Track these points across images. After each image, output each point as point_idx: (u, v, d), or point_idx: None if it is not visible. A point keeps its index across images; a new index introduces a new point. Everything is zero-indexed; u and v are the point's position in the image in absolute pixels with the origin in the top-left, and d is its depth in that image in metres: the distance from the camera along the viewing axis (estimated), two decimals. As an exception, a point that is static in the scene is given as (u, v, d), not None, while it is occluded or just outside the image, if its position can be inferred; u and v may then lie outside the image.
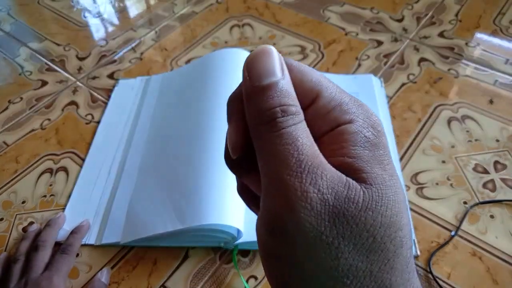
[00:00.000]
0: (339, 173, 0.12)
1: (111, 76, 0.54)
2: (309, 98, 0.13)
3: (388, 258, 0.11)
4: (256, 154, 0.13)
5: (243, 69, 0.13)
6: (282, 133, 0.12)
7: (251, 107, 0.13)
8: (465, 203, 0.38)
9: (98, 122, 0.48)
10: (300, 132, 0.12)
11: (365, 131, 0.13)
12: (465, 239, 0.36)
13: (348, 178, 0.12)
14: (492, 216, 0.37)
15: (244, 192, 0.16)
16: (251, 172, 0.15)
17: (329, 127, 0.13)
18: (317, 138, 0.13)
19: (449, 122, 0.45)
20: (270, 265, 0.13)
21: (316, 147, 0.12)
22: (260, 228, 0.13)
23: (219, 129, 0.38)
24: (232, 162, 0.15)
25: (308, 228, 0.11)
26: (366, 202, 0.11)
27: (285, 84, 0.13)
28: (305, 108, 0.13)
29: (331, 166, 0.12)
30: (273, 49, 0.13)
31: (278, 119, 0.12)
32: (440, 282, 0.33)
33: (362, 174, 0.12)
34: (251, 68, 0.13)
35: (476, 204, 0.38)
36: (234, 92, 0.14)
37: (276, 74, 0.13)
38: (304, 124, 0.13)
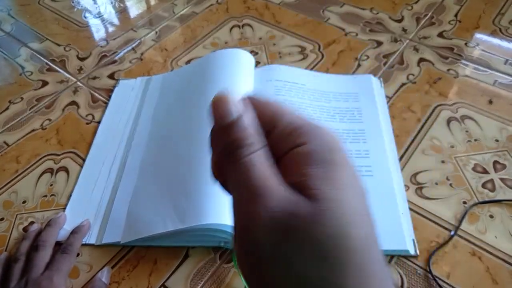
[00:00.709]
0: (288, 193, 0.14)
1: (111, 76, 0.54)
2: (270, 126, 0.15)
3: (340, 265, 0.13)
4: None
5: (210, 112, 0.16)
6: (240, 163, 0.14)
7: (217, 142, 0.16)
8: (464, 203, 0.38)
9: (99, 122, 0.48)
10: (256, 160, 0.14)
11: (318, 150, 0.14)
12: (465, 239, 0.36)
13: (298, 196, 0.13)
14: (491, 216, 0.37)
15: None
16: None
17: (287, 149, 0.15)
18: (280, 160, 0.15)
19: (448, 122, 0.45)
20: (247, 275, 0.15)
21: (270, 171, 0.14)
22: (234, 244, 0.15)
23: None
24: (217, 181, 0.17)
25: (264, 244, 0.13)
26: (312, 216, 0.13)
27: (242, 121, 0.15)
28: (268, 134, 0.15)
29: (281, 187, 0.14)
30: (229, 94, 0.15)
31: (236, 151, 0.14)
32: (440, 282, 0.33)
33: (311, 191, 0.13)
34: (214, 112, 0.15)
35: (476, 204, 0.38)
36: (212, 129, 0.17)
37: (232, 115, 0.15)
38: (262, 151, 0.15)
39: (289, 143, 0.15)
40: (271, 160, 0.15)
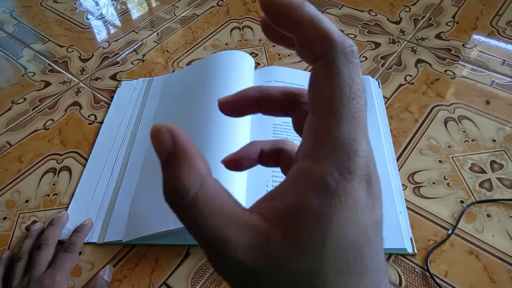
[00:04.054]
0: (249, 229, 0.12)
1: (113, 77, 0.55)
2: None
3: None
4: None
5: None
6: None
7: None
8: (461, 202, 0.39)
9: (101, 123, 0.49)
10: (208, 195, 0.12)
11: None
12: (462, 238, 0.36)
13: (261, 230, 0.12)
14: (488, 215, 0.38)
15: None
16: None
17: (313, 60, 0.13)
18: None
19: (445, 122, 0.46)
20: None
21: (226, 206, 0.12)
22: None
23: (219, 129, 0.39)
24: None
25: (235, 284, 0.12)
26: (281, 259, 0.11)
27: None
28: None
29: (240, 225, 0.12)
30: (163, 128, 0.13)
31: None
32: (438, 280, 0.34)
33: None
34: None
35: (473, 203, 0.38)
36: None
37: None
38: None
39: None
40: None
